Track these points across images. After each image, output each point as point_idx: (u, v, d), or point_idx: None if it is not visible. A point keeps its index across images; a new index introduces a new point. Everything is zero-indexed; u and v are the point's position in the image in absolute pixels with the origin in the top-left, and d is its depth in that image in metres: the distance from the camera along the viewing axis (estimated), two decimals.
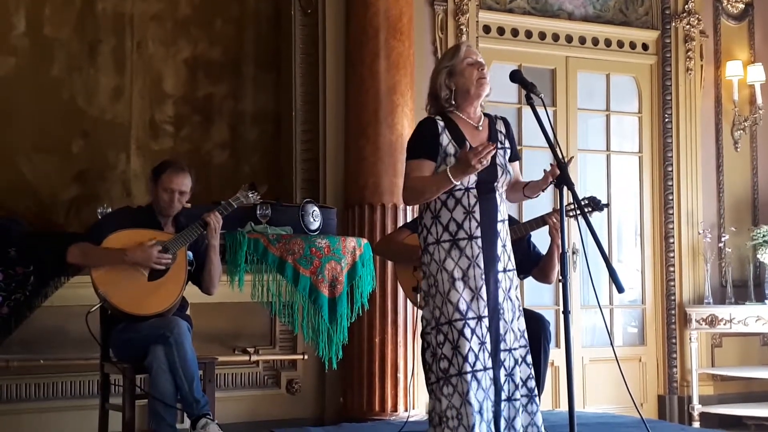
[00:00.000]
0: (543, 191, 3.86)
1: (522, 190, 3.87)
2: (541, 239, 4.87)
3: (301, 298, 5.11)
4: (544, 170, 3.75)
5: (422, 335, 3.77)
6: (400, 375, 5.84)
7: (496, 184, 3.73)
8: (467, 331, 3.60)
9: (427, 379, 3.75)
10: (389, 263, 5.72)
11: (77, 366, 5.22)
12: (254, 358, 5.80)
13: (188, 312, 4.74)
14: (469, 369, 3.58)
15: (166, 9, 6.35)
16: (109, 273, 4.38)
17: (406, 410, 5.71)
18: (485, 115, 3.85)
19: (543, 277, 4.86)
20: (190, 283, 4.65)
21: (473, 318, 3.62)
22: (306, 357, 5.86)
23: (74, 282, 4.75)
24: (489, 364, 3.63)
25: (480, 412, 3.58)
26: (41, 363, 5.22)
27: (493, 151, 3.52)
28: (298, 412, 5.89)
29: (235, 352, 5.77)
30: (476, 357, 3.61)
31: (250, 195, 4.68)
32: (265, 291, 5.10)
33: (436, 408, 3.64)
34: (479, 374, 3.61)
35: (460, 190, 3.67)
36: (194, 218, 4.54)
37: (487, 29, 6.87)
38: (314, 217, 5.47)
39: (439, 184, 3.63)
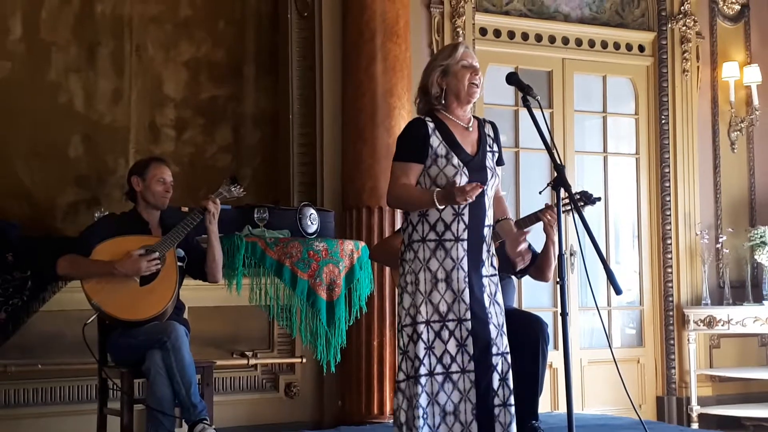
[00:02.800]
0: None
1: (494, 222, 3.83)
2: (536, 238, 4.88)
3: (299, 302, 5.11)
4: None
5: (397, 332, 3.75)
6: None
7: (485, 188, 3.72)
8: (445, 333, 3.61)
9: (396, 376, 3.72)
10: None
11: (75, 371, 5.21)
12: (252, 361, 5.79)
13: (186, 315, 4.74)
14: (441, 370, 3.59)
15: (166, 11, 6.32)
16: (100, 282, 4.39)
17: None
18: (474, 117, 3.85)
19: (540, 275, 4.85)
20: (186, 285, 4.66)
21: (453, 320, 3.62)
22: (304, 360, 5.86)
23: (72, 286, 4.75)
24: (470, 366, 3.61)
25: (454, 413, 3.59)
26: (39, 368, 5.20)
27: (479, 191, 3.52)
28: (296, 416, 5.88)
29: (233, 355, 5.76)
30: (452, 359, 3.60)
31: (233, 189, 4.68)
32: (263, 294, 5.10)
33: (402, 405, 3.63)
34: (455, 376, 3.60)
35: None
36: (180, 219, 4.55)
37: (483, 31, 6.88)
38: (312, 220, 5.47)
39: (423, 203, 3.64)
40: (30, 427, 5.20)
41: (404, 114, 5.98)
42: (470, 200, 3.52)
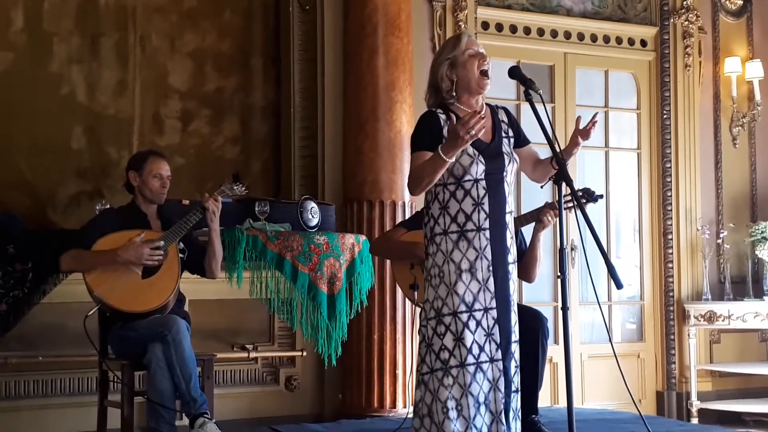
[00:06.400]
0: (575, 154, 3.83)
1: (551, 163, 3.77)
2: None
3: (299, 295, 5.11)
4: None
5: (421, 325, 3.75)
6: (399, 371, 5.84)
7: (504, 174, 3.72)
8: (472, 323, 3.60)
9: (419, 368, 3.73)
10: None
11: (76, 363, 5.22)
12: (253, 354, 5.80)
13: (186, 308, 4.74)
14: (472, 361, 3.58)
15: (171, 1, 6.29)
16: (102, 275, 4.38)
17: (405, 406, 5.72)
18: (486, 105, 3.84)
19: (524, 275, 4.69)
20: (186, 277, 4.66)
21: (479, 310, 3.61)
22: (305, 354, 5.87)
23: (73, 279, 4.75)
24: (498, 355, 3.62)
25: (485, 403, 3.59)
26: (40, 360, 5.21)
27: (482, 122, 3.44)
28: (297, 409, 5.89)
29: (233, 348, 5.77)
30: (481, 349, 3.60)
31: (235, 187, 4.67)
32: (264, 288, 5.10)
33: (425, 398, 3.63)
34: (484, 366, 3.60)
35: (469, 181, 3.66)
36: (180, 214, 4.55)
37: (485, 25, 6.87)
38: (313, 214, 5.47)
39: (434, 165, 3.57)
40: (30, 420, 5.21)
41: (406, 108, 5.97)
42: (474, 134, 3.42)
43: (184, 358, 4.24)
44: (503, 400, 3.62)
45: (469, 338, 3.59)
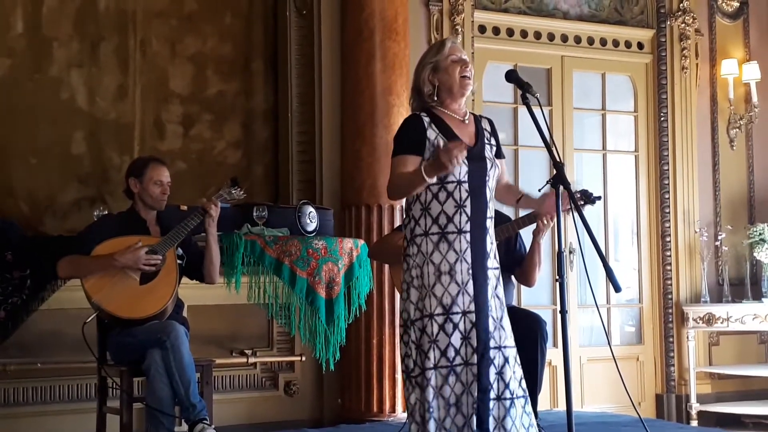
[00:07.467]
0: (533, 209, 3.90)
1: (516, 201, 3.90)
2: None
3: (298, 300, 5.11)
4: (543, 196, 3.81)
5: (405, 326, 3.73)
6: (399, 375, 5.84)
7: (486, 178, 3.73)
8: (449, 326, 3.60)
9: (411, 371, 3.72)
10: None
11: (74, 369, 5.21)
12: (252, 360, 5.79)
13: (185, 313, 4.74)
14: (445, 363, 3.58)
15: (171, 5, 6.28)
16: (100, 281, 4.38)
17: (404, 411, 5.70)
18: (470, 113, 3.86)
19: (524, 279, 4.75)
20: (185, 283, 4.66)
21: (457, 313, 3.61)
22: (303, 358, 5.86)
23: (71, 285, 4.75)
24: (473, 359, 3.61)
25: (456, 405, 3.59)
26: (38, 366, 5.20)
27: (465, 151, 3.48)
28: (296, 414, 5.88)
29: (232, 354, 5.76)
30: (456, 352, 3.60)
31: (233, 191, 4.67)
32: (262, 293, 5.10)
33: (410, 399, 3.64)
34: (458, 368, 3.60)
35: (452, 182, 3.67)
36: (178, 219, 4.55)
37: (482, 29, 6.87)
38: (311, 219, 5.47)
39: (414, 182, 3.61)
40: (29, 426, 5.21)
41: (403, 112, 5.96)
42: (458, 163, 3.48)
43: (182, 364, 4.24)
44: (474, 405, 3.60)
45: (443, 341, 3.59)
